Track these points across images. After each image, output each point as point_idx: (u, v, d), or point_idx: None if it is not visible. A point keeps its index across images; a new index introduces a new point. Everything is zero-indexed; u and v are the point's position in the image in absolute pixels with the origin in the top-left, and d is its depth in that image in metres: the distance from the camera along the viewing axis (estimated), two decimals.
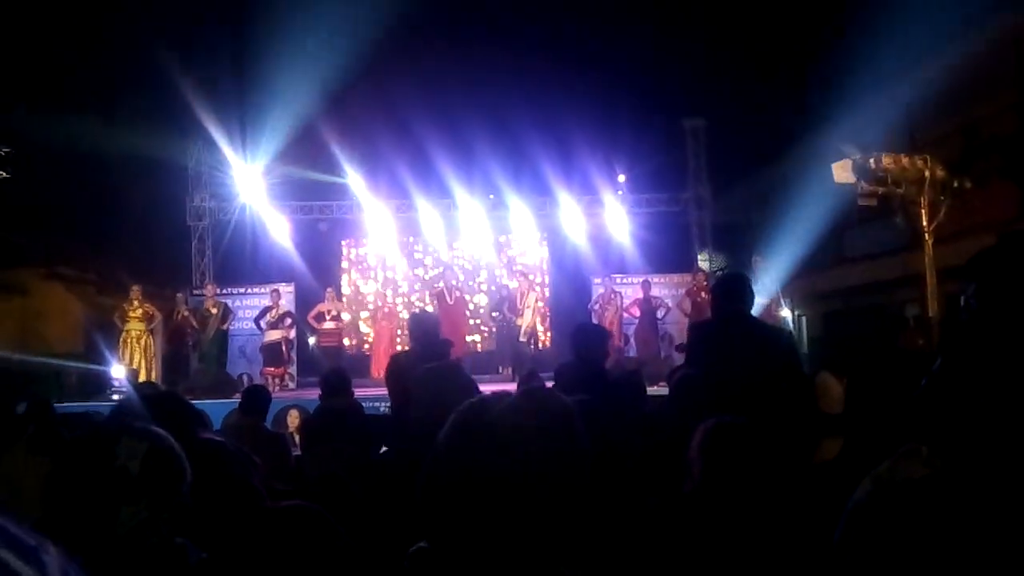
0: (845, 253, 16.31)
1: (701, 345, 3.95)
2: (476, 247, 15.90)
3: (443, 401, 1.70)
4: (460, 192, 14.96)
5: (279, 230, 14.87)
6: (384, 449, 4.27)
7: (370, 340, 14.96)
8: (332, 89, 13.59)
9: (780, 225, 20.35)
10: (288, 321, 13.04)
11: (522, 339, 13.02)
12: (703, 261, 15.04)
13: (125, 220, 15.44)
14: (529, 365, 9.63)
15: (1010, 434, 1.00)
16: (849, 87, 14.47)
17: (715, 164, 15.68)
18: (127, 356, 11.97)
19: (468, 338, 14.11)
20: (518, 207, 15.21)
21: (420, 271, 16.03)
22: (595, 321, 13.76)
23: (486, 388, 1.65)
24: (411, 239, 15.88)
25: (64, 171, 14.04)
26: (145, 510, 1.46)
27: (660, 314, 13.37)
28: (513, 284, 14.60)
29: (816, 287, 16.36)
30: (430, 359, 3.32)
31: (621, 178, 15.42)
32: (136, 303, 12.16)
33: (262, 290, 13.71)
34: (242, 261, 15.25)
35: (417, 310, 13.09)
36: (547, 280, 15.97)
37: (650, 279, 13.63)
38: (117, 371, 11.88)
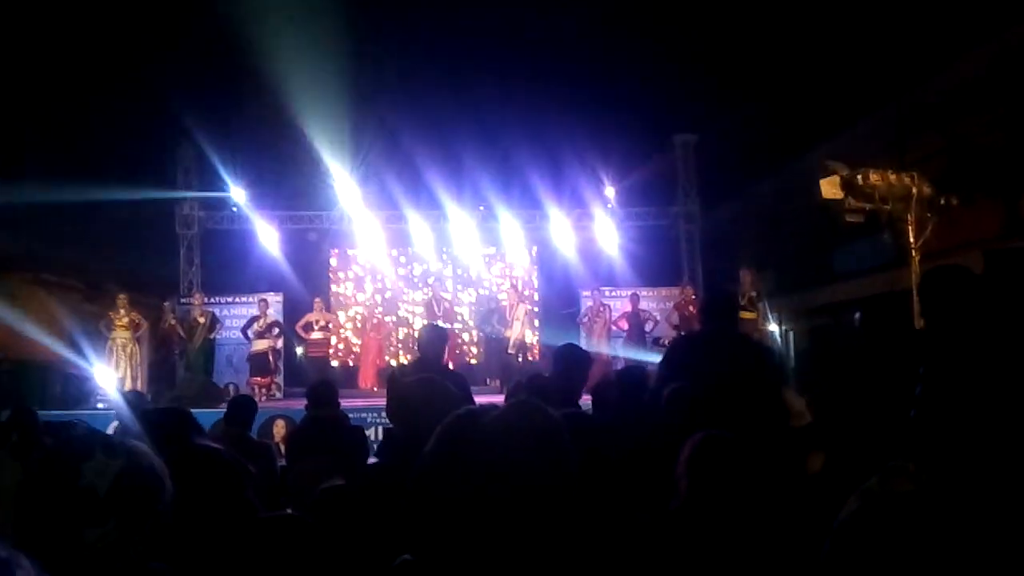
0: (833, 269, 16.39)
1: (684, 359, 3.94)
2: (465, 259, 15.90)
3: (431, 412, 1.69)
4: (450, 204, 14.96)
5: (268, 239, 14.82)
6: (372, 460, 4.25)
7: (357, 351, 14.91)
8: (323, 100, 13.60)
9: (768, 240, 20.48)
10: (276, 331, 13.00)
11: (510, 351, 13.02)
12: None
13: (113, 227, 15.36)
14: (517, 377, 9.63)
15: (995, 450, 1.01)
16: (838, 105, 14.61)
17: (705, 178, 15.76)
18: (113, 364, 11.90)
19: (456, 350, 14.10)
20: (508, 219, 15.22)
21: (409, 282, 16.00)
22: (583, 334, 13.81)
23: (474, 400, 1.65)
24: (400, 250, 15.86)
25: (51, 175, 13.96)
26: (115, 531, 1.38)
27: (648, 327, 13.40)
28: (502, 296, 14.62)
29: (804, 303, 16.43)
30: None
31: (609, 191, 15.46)
32: (123, 311, 12.10)
33: (250, 299, 13.66)
34: (231, 270, 15.17)
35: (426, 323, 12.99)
36: (536, 293, 15.97)
37: (639, 292, 13.67)
38: (102, 379, 11.80)
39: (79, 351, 12.90)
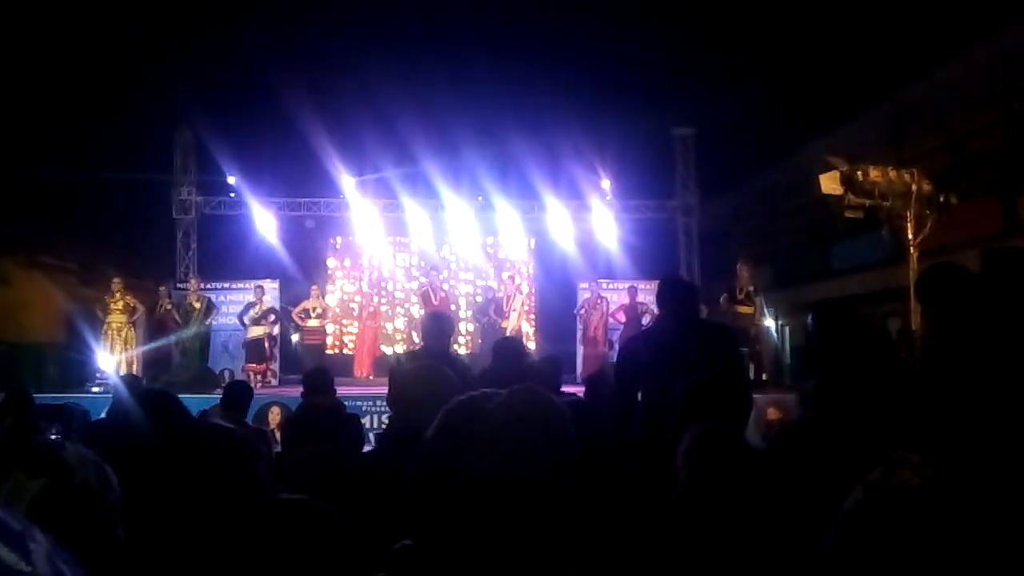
0: (831, 264, 16.41)
1: (637, 356, 3.88)
2: (463, 249, 15.88)
3: (433, 400, 1.69)
4: (448, 193, 14.93)
5: (266, 226, 14.79)
6: (368, 448, 4.25)
7: (354, 338, 14.90)
8: (321, 87, 13.56)
9: (766, 235, 20.51)
10: (272, 317, 12.99)
11: None
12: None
13: (110, 211, 15.33)
14: None
15: (999, 443, 1.00)
16: (838, 101, 14.60)
17: (703, 172, 15.75)
18: (108, 348, 11.88)
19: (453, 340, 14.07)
20: (506, 210, 15.20)
21: (406, 271, 15.98)
22: (580, 327, 13.81)
23: None
24: (398, 239, 15.83)
25: (49, 159, 13.91)
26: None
27: (646, 320, 13.39)
28: (499, 287, 14.61)
29: (801, 298, 16.44)
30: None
31: (606, 183, 15.44)
32: (118, 295, 12.08)
33: (246, 286, 13.63)
34: (227, 256, 15.15)
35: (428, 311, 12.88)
36: (534, 284, 15.97)
37: (636, 285, 13.65)
38: (99, 362, 11.80)
39: (75, 334, 12.89)
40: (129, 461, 1.96)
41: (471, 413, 1.09)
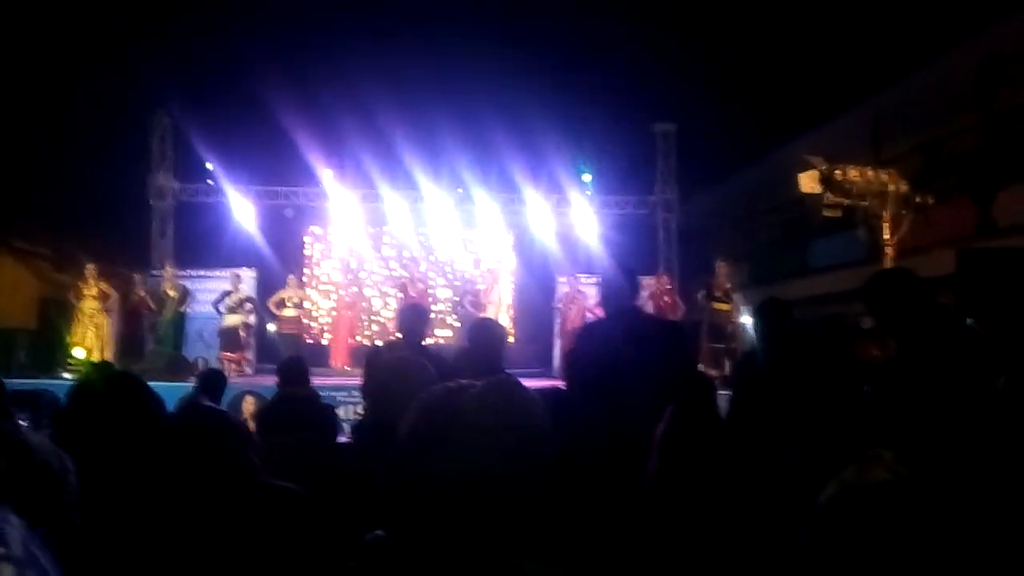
0: (808, 263, 16.55)
1: (585, 349, 3.86)
2: (442, 240, 15.83)
3: (408, 391, 1.68)
4: (427, 184, 14.88)
5: (244, 214, 14.65)
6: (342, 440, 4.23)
7: (330, 328, 14.83)
8: (301, 74, 13.45)
9: (744, 232, 20.64)
10: (248, 306, 12.89)
11: None
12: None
13: (85, 196, 15.11)
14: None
15: (974, 441, 1.01)
16: (818, 101, 14.71)
17: (684, 168, 15.79)
18: (80, 334, 11.74)
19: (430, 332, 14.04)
20: (485, 202, 15.17)
21: (384, 262, 15.91)
22: (558, 320, 13.82)
23: None
24: (376, 229, 15.76)
25: (22, 142, 13.70)
26: None
27: None
28: (478, 279, 14.60)
29: (778, 295, 16.56)
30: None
31: (586, 178, 15.45)
32: (92, 281, 11.93)
33: (223, 274, 13.51)
34: (204, 244, 14.98)
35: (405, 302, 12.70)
36: (513, 277, 15.96)
37: None
38: (71, 348, 11.65)
39: (47, 320, 12.72)
40: (108, 446, 1.95)
41: (445, 405, 1.09)
